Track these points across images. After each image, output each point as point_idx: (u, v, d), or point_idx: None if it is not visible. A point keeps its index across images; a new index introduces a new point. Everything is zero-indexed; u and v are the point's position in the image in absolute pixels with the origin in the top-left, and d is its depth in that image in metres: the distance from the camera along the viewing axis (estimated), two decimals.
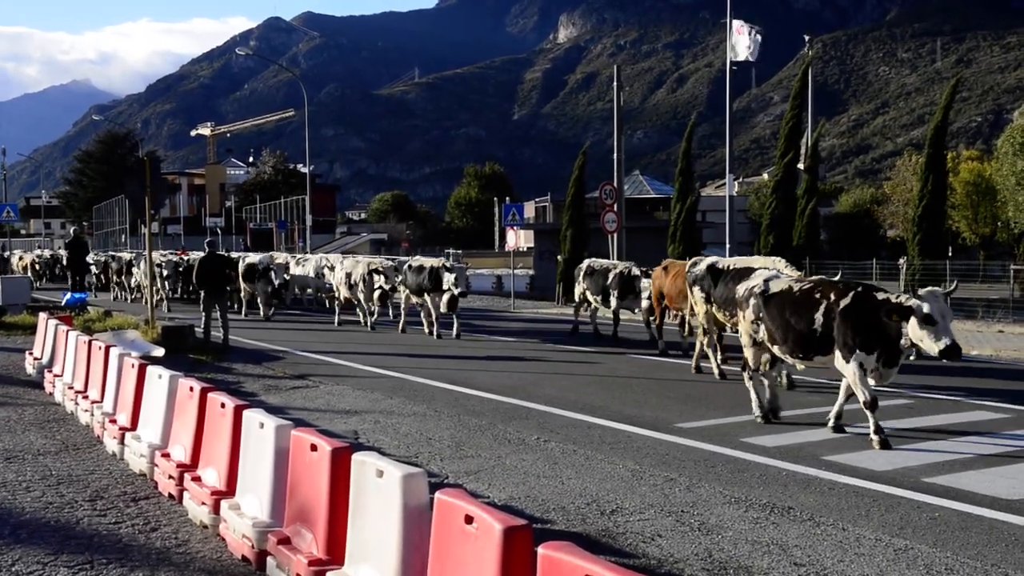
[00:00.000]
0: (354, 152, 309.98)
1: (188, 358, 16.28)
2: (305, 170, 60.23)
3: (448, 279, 20.05)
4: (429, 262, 21.50)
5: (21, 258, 45.88)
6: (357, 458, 5.42)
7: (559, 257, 36.15)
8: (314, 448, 5.86)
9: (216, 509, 6.94)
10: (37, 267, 41.97)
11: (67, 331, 13.51)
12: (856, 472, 8.62)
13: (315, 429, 6.51)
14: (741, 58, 29.22)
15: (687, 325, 16.60)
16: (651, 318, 18.67)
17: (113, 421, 9.80)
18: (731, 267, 13.94)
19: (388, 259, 26.80)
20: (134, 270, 32.03)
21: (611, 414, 11.50)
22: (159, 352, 15.57)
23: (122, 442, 9.33)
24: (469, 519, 4.34)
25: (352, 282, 22.94)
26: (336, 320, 24.25)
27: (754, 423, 10.95)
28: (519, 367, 16.19)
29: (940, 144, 30.06)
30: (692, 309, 15.26)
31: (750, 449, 9.60)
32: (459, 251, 59.14)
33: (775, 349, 10.79)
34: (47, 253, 46.95)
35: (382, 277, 21.76)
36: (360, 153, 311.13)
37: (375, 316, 23.24)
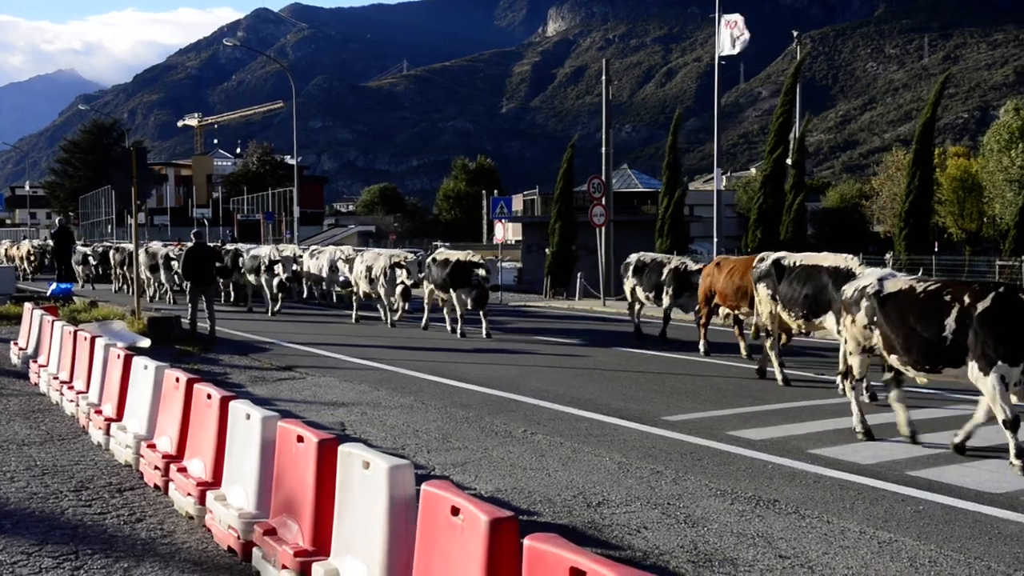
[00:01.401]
0: (342, 144, 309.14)
1: (174, 349, 16.23)
2: (293, 161, 60.05)
3: (478, 273, 19.12)
4: (455, 255, 20.21)
5: (17, 247, 45.43)
6: (343, 449, 5.41)
7: (547, 250, 36.17)
8: (300, 439, 5.85)
9: (202, 500, 6.92)
10: (32, 257, 41.57)
11: (52, 321, 13.45)
12: (841, 465, 8.66)
13: (302, 420, 6.49)
14: (729, 52, 29.23)
15: (754, 326, 15.00)
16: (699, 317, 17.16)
17: (99, 412, 9.77)
18: (797, 263, 12.89)
19: (410, 251, 25.19)
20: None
21: (598, 407, 11.52)
22: (145, 343, 15.50)
23: (107, 433, 9.30)
24: (455, 511, 4.34)
25: (372, 276, 21.66)
26: (354, 316, 22.78)
27: (740, 416, 10.98)
28: (507, 360, 16.19)
29: (928, 140, 30.18)
30: (756, 309, 14.05)
31: (736, 442, 9.63)
32: (447, 243, 58.97)
33: (893, 359, 9.46)
34: (36, 243, 46.54)
35: (405, 271, 20.50)
36: (348, 145, 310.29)
37: (399, 313, 22.18)
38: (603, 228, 30.81)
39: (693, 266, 18.13)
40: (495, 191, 76.61)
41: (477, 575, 4.10)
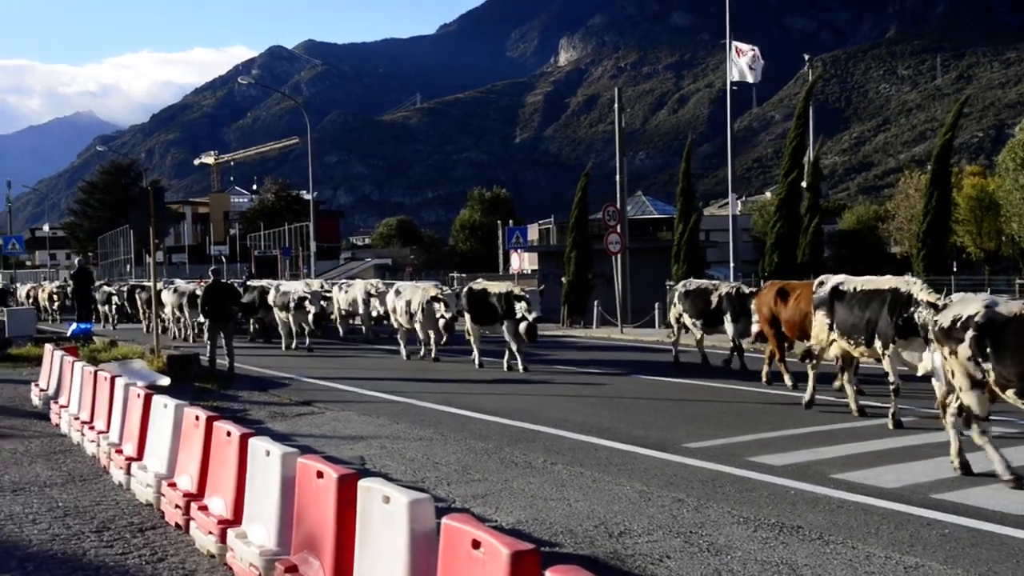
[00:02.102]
0: (357, 178, 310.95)
1: (194, 386, 16.28)
2: (309, 197, 60.45)
3: (520, 307, 18.17)
4: (495, 287, 19.47)
5: (42, 288, 45.63)
6: (363, 484, 5.41)
7: (563, 279, 36.17)
8: (320, 475, 5.85)
9: (223, 538, 6.91)
10: (55, 298, 41.75)
11: (73, 362, 13.51)
12: (865, 490, 8.58)
13: (321, 456, 6.50)
14: (740, 79, 29.32)
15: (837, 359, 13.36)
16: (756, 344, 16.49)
17: (119, 451, 9.79)
18: (857, 288, 12.22)
19: (438, 285, 23.33)
20: (164, 299, 30.81)
21: (617, 435, 11.47)
22: (165, 381, 15.57)
23: (128, 472, 9.32)
24: (476, 544, 4.32)
25: (412, 311, 21.21)
26: (404, 353, 21.87)
27: (761, 442, 10.90)
28: (524, 390, 16.16)
29: (945, 161, 30.15)
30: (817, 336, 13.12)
31: (758, 468, 9.56)
32: (463, 275, 59.01)
33: (1008, 395, 8.39)
34: (57, 284, 46.74)
35: (442, 305, 20.22)
36: (363, 179, 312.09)
37: (440, 344, 21.47)
38: (619, 256, 30.82)
39: (747, 290, 17.57)
40: (510, 221, 76.75)
41: None
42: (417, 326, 21.18)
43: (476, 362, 19.63)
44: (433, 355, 21.13)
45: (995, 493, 8.36)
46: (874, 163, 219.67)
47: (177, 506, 7.86)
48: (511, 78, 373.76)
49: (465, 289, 20.56)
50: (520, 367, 18.47)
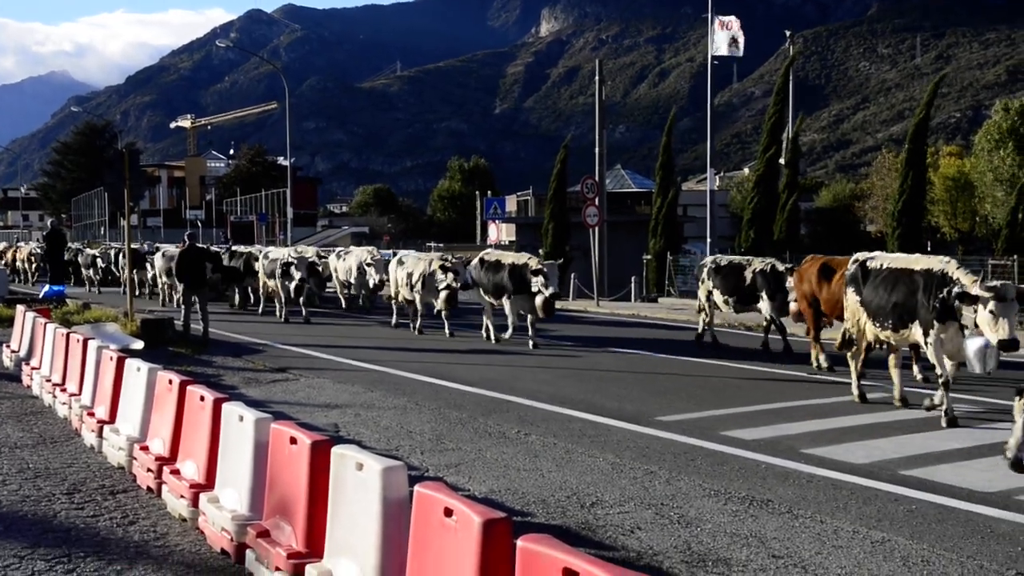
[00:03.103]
0: (336, 145, 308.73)
1: (167, 351, 16.20)
2: (286, 163, 60.01)
3: (537, 282, 17.12)
4: (509, 258, 18.53)
5: (18, 249, 45.02)
6: (337, 451, 5.41)
7: (540, 251, 36.16)
8: (294, 441, 5.85)
9: (195, 502, 6.91)
10: (33, 259, 41.19)
11: (45, 324, 13.41)
12: (834, 465, 8.67)
13: (295, 422, 6.48)
14: (722, 53, 29.26)
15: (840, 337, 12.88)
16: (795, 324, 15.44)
17: (91, 414, 9.75)
18: (884, 266, 11.43)
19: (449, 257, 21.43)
20: (148, 264, 30.22)
21: (591, 407, 11.52)
22: (138, 345, 15.49)
23: (100, 435, 9.28)
24: (448, 512, 4.34)
25: (413, 282, 20.05)
26: (394, 321, 21.47)
27: (734, 416, 10.99)
28: (500, 360, 16.18)
29: (921, 140, 30.24)
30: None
31: (729, 442, 9.64)
32: (440, 244, 58.97)
33: None
34: (34, 245, 46.03)
35: (452, 274, 18.94)
36: (342, 146, 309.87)
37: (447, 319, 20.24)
38: (596, 229, 30.82)
39: (781, 267, 16.54)
40: (489, 192, 76.60)
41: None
42: (416, 297, 20.19)
43: (490, 336, 18.79)
44: (417, 328, 20.45)
45: (962, 470, 8.47)
46: (852, 141, 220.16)
47: (149, 470, 7.85)
48: (492, 48, 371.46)
49: (476, 259, 19.59)
50: (531, 343, 17.66)
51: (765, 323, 17.19)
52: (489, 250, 20.30)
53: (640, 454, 9.16)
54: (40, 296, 24.59)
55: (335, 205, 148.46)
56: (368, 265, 23.64)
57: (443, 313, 19.69)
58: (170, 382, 7.98)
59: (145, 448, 8.12)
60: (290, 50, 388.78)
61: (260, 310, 25.08)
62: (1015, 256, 24.27)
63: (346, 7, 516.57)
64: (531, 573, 3.80)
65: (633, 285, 31.38)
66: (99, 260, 34.05)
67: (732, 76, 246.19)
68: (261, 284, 24.72)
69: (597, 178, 32.19)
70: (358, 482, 5.12)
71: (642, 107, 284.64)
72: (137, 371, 8.82)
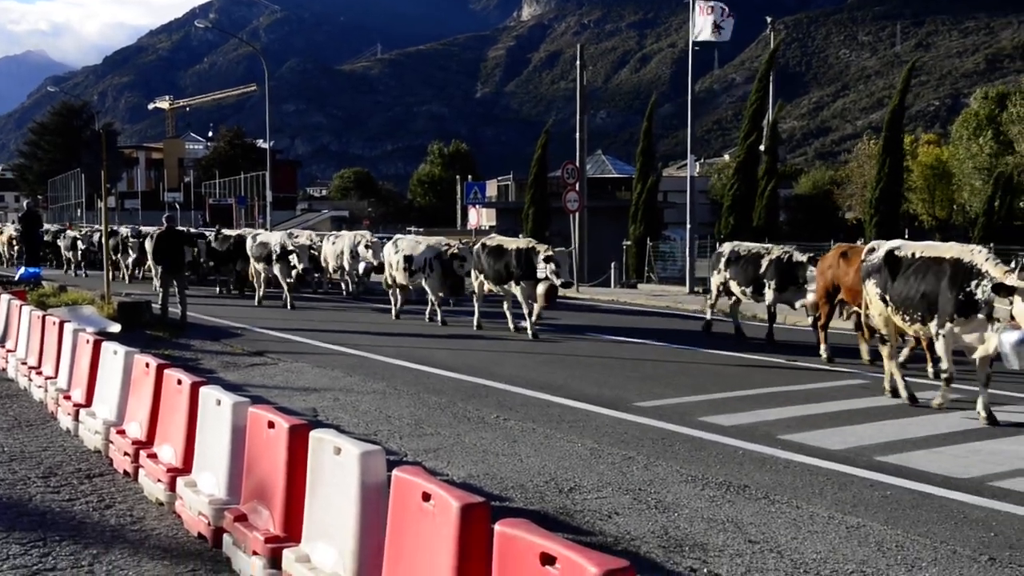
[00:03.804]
0: (316, 128, 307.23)
1: (145, 334, 16.10)
2: (266, 145, 59.67)
3: (546, 269, 16.38)
4: (513, 243, 17.88)
5: (1, 232, 44.29)
6: (315, 435, 5.39)
7: (521, 236, 36.13)
8: (271, 425, 5.83)
9: (172, 486, 6.88)
10: (15, 242, 40.50)
11: (20, 306, 13.30)
12: (811, 451, 8.73)
13: (273, 406, 6.46)
14: (705, 38, 29.22)
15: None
16: (816, 315, 14.75)
17: (67, 397, 9.68)
18: (915, 255, 10.76)
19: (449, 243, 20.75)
20: (130, 248, 29.72)
21: (570, 393, 11.55)
22: (115, 328, 15.37)
23: (76, 418, 9.22)
24: (426, 496, 4.34)
25: (412, 268, 19.14)
26: (394, 313, 20.33)
27: (712, 402, 11.04)
28: (480, 346, 16.19)
29: (897, 128, 30.45)
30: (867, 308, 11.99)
31: (708, 428, 9.69)
32: (420, 228, 58.75)
33: None
34: (16, 227, 45.33)
35: (459, 261, 18.35)
36: (322, 129, 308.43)
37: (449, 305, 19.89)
38: (577, 214, 30.83)
39: (799, 256, 15.69)
40: (470, 176, 76.39)
41: (448, 560, 4.11)
42: (423, 282, 19.18)
43: (476, 323, 18.39)
44: (396, 312, 20.20)
45: (937, 457, 8.55)
46: (832, 128, 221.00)
47: (126, 453, 7.81)
48: (473, 31, 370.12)
49: (478, 244, 18.88)
50: (530, 332, 17.06)
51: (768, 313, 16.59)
52: (493, 235, 19.65)
53: (618, 440, 9.19)
54: (16, 278, 24.32)
55: (315, 189, 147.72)
56: (366, 247, 22.98)
57: (436, 300, 19.20)
58: (147, 365, 7.94)
59: (122, 432, 8.07)
60: (270, 31, 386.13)
61: (257, 299, 23.45)
62: (991, 244, 24.48)
63: None
64: (508, 558, 3.81)
65: (613, 271, 31.42)
66: (80, 243, 33.62)
67: (713, 62, 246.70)
68: (251, 269, 23.92)
69: (578, 164, 32.19)
70: (336, 466, 5.11)
71: (623, 92, 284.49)
72: (114, 354, 8.76)
